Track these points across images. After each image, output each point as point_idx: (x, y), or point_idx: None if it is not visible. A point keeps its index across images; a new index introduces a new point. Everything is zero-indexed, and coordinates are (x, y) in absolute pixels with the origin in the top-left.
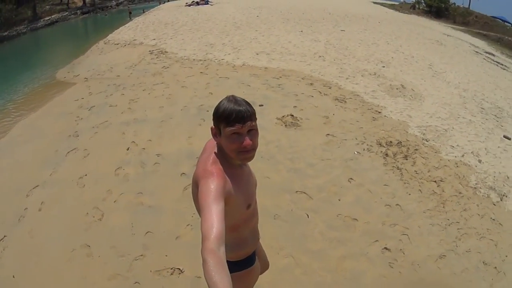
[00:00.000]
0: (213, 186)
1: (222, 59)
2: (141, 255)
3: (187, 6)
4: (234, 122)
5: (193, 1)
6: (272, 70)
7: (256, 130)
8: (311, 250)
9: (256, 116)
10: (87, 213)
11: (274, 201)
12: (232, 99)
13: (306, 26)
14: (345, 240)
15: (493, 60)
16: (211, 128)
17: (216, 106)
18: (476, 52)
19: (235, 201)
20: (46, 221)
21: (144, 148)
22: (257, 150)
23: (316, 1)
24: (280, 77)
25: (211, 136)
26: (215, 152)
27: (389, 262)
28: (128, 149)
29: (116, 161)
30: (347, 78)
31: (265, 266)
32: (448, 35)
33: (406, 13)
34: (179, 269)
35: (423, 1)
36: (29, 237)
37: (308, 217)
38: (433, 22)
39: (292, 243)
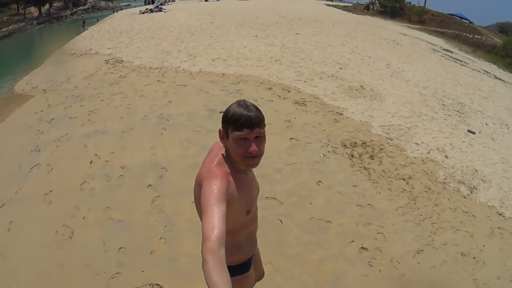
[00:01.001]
0: (216, 187)
1: (179, 66)
2: (117, 273)
3: (141, 14)
4: (242, 127)
5: (147, 9)
6: (229, 76)
7: (264, 137)
8: (288, 255)
9: (265, 123)
10: (57, 232)
11: None
12: (243, 103)
13: (260, 30)
14: (321, 243)
15: (451, 57)
16: (219, 131)
17: (226, 109)
18: (434, 50)
19: (235, 205)
20: (17, 241)
21: (107, 161)
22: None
23: (269, 5)
24: (238, 82)
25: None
26: (222, 154)
27: (368, 261)
28: (91, 162)
29: (80, 175)
30: (305, 81)
31: (260, 275)
32: (404, 34)
33: (360, 14)
34: (158, 284)
35: (377, 1)
36: (1, 259)
37: (281, 222)
38: (388, 22)
39: (269, 250)
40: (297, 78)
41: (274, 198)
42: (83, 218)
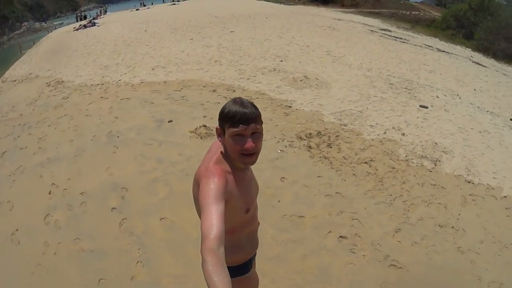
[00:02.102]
0: (214, 186)
1: (120, 80)
2: None
3: (76, 31)
4: (238, 123)
5: (81, 25)
6: (171, 83)
7: (260, 133)
8: (270, 257)
9: (262, 120)
10: (33, 272)
11: None
12: (239, 100)
13: (195, 33)
14: (300, 239)
15: (390, 36)
16: (216, 128)
17: (222, 107)
18: (372, 31)
19: (234, 204)
20: None
21: (65, 189)
22: (188, 165)
23: (200, 6)
24: (182, 88)
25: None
26: (220, 153)
27: (350, 249)
28: (50, 193)
29: (42, 208)
30: (248, 79)
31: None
32: (339, 20)
33: (292, 4)
34: None
35: None
36: None
37: None
38: (321, 9)
39: None
40: (240, 77)
41: None
42: (54, 254)
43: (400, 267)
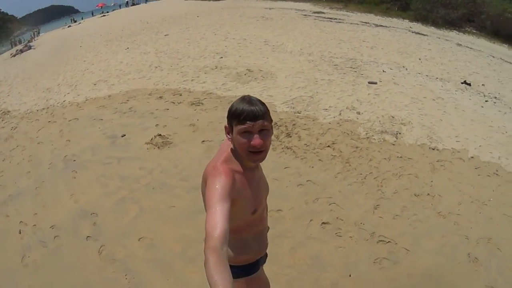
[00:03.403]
0: (220, 184)
1: (64, 101)
2: None
3: (13, 57)
4: (245, 120)
5: (17, 50)
6: (116, 96)
7: (268, 130)
8: None
9: (271, 117)
10: None
11: (192, 226)
12: (247, 98)
13: (129, 41)
14: (284, 233)
15: (325, 18)
16: (225, 127)
17: (230, 106)
18: (305, 15)
19: (241, 203)
20: None
21: (35, 225)
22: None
23: (129, 15)
24: (127, 100)
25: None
26: (229, 151)
27: (335, 233)
28: (20, 232)
29: (17, 250)
30: (192, 80)
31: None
32: (270, 8)
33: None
34: None
35: None
36: None
37: None
38: (251, 1)
39: None
40: (183, 79)
41: None
42: None
43: (389, 241)
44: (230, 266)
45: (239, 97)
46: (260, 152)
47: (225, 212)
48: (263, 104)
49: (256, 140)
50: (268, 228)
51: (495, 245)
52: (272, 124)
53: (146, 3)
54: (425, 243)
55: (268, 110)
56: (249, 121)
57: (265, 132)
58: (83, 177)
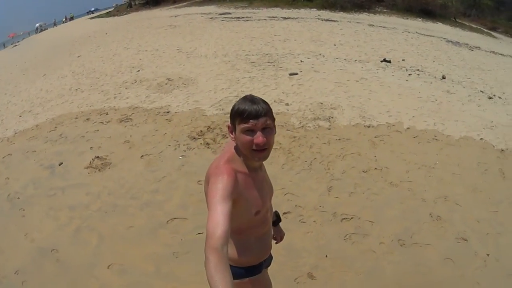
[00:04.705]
0: (222, 185)
1: None
2: None
3: None
4: (248, 118)
5: None
6: (44, 125)
7: (271, 128)
8: None
9: (274, 116)
10: None
11: (157, 242)
12: (249, 97)
13: (45, 67)
14: None
15: (232, 18)
16: (227, 126)
17: (232, 106)
18: (211, 18)
19: (242, 204)
20: None
21: None
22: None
23: (40, 40)
24: (56, 127)
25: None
26: (232, 150)
27: (299, 220)
28: None
29: None
30: (115, 97)
31: None
32: (176, 16)
33: (125, 14)
34: None
35: None
36: None
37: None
38: (155, 11)
39: None
40: (106, 98)
41: (175, 218)
42: None
43: (352, 217)
44: (231, 266)
45: (158, 107)
46: (263, 150)
47: (226, 212)
48: (265, 102)
49: (260, 138)
50: (283, 234)
51: (453, 202)
52: (275, 123)
53: (55, 26)
54: (387, 212)
55: (271, 109)
56: (252, 119)
57: (268, 130)
58: (32, 214)
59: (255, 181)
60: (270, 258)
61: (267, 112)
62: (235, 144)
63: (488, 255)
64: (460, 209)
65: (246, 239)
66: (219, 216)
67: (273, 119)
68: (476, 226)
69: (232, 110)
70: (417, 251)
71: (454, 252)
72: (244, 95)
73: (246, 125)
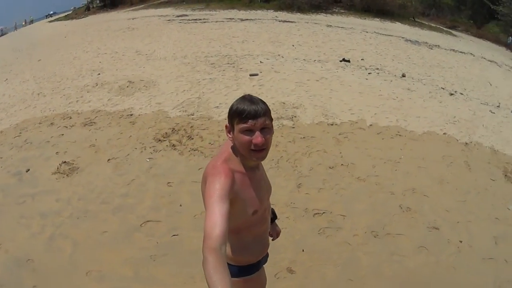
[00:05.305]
0: (219, 184)
1: None
2: None
3: None
4: (247, 119)
5: None
6: (8, 131)
7: (270, 129)
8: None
9: (272, 117)
10: None
11: (132, 246)
12: (247, 97)
13: (6, 72)
14: None
15: (189, 20)
16: (225, 126)
17: (231, 105)
18: (169, 20)
19: (240, 204)
20: None
21: None
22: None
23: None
24: (20, 133)
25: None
26: (230, 151)
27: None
28: None
29: None
30: (77, 101)
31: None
32: (133, 18)
33: (83, 17)
34: None
35: None
36: None
37: (177, 235)
38: (113, 13)
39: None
40: (68, 102)
41: (149, 221)
42: None
43: (324, 212)
44: (229, 265)
45: (121, 110)
46: (261, 150)
47: (224, 212)
48: (264, 102)
49: (258, 138)
50: (279, 231)
51: (421, 193)
52: (272, 122)
53: (15, 30)
54: (357, 206)
55: (269, 109)
56: (251, 119)
57: (267, 130)
58: (3, 223)
59: (252, 181)
60: (266, 255)
61: (266, 112)
62: (232, 144)
63: (461, 241)
64: (428, 200)
65: (244, 238)
66: (216, 216)
67: (271, 119)
68: (446, 216)
69: (230, 109)
70: (391, 241)
71: (427, 240)
72: (205, 96)
73: (244, 125)
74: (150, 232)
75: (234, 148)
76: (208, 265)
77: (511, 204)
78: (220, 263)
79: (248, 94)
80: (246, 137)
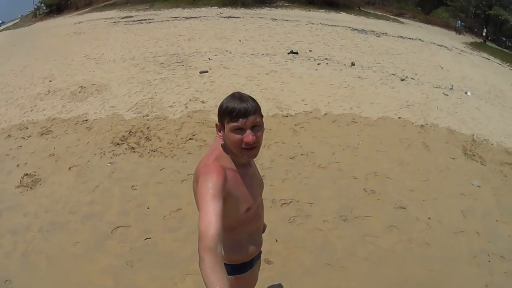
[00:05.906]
0: (212, 183)
1: None
2: None
3: None
4: (237, 117)
5: None
6: None
7: (260, 126)
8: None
9: (262, 113)
10: None
11: (107, 254)
12: (237, 95)
13: None
14: (195, 228)
15: (134, 21)
16: (216, 124)
17: (221, 102)
18: (114, 22)
19: (233, 202)
20: None
21: None
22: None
23: None
24: None
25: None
26: (220, 149)
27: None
28: None
29: None
30: (31, 110)
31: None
32: (79, 22)
33: (31, 24)
34: None
35: (42, 5)
36: None
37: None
38: (59, 19)
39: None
40: (23, 112)
41: (119, 227)
42: None
43: (291, 201)
44: (224, 264)
45: (76, 116)
46: (253, 148)
47: (217, 210)
48: (254, 100)
49: (249, 137)
50: (265, 226)
51: (383, 176)
52: (263, 120)
53: None
54: (322, 192)
55: (259, 106)
56: (241, 118)
57: (257, 128)
58: None
59: (245, 178)
60: (260, 252)
61: (256, 109)
62: (222, 142)
63: (429, 218)
64: (391, 181)
65: (238, 236)
66: (211, 216)
67: (262, 116)
68: (411, 195)
69: (220, 108)
70: (361, 224)
71: (396, 219)
72: (158, 96)
73: (235, 123)
74: (122, 238)
75: (224, 146)
76: (205, 265)
77: (475, 180)
78: (217, 262)
79: (238, 92)
80: (237, 136)
